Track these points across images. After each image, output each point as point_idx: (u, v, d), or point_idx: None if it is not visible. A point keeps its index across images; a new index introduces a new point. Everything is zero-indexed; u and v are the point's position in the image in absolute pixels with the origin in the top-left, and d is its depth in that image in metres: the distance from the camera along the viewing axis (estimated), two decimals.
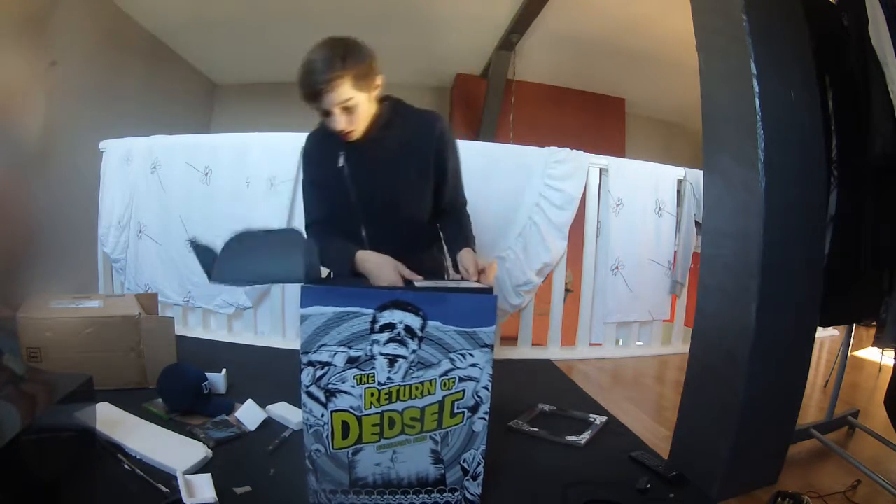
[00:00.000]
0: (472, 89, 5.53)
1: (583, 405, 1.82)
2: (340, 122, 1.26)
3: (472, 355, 1.08)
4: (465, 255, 1.32)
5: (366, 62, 1.25)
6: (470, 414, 1.11)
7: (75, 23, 3.25)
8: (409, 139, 1.38)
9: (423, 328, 1.05)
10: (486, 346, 1.08)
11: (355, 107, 1.26)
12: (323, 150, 1.41)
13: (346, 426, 1.07)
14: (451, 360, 1.07)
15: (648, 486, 1.25)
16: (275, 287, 2.50)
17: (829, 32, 1.37)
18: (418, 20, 4.22)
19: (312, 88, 1.21)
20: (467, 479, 1.14)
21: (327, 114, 1.26)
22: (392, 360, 1.06)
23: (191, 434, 1.37)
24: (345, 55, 1.22)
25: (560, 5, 4.07)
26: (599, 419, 1.66)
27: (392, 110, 1.37)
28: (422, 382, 1.07)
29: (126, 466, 1.20)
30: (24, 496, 0.98)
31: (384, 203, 1.39)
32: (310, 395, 1.06)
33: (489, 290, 1.16)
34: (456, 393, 1.09)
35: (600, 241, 2.63)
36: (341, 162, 1.37)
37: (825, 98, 1.34)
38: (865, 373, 2.58)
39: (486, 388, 1.10)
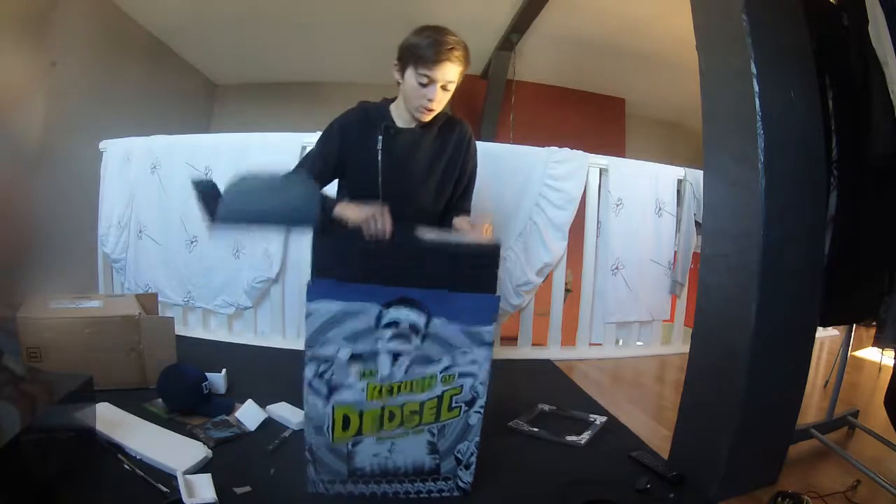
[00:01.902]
0: (472, 89, 5.52)
1: (583, 405, 1.82)
2: (437, 96, 1.34)
3: (472, 352, 1.10)
4: (458, 220, 1.39)
5: (469, 56, 1.37)
6: (466, 408, 1.13)
7: (75, 23, 3.24)
8: (445, 140, 1.46)
9: (427, 325, 1.07)
10: (485, 343, 1.10)
11: (449, 91, 1.36)
12: (363, 129, 1.43)
13: (346, 419, 1.09)
14: (452, 357, 1.09)
15: (648, 486, 1.25)
16: (274, 287, 2.50)
17: (829, 32, 1.37)
18: (418, 21, 4.21)
19: (442, 56, 1.29)
20: (460, 469, 1.16)
21: (427, 84, 1.32)
22: (395, 355, 1.07)
23: (191, 434, 1.37)
24: (464, 47, 1.35)
25: (560, 5, 4.07)
26: (599, 419, 1.66)
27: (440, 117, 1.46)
28: (423, 378, 1.09)
29: (126, 466, 1.20)
30: (24, 496, 0.98)
31: (407, 193, 1.42)
32: (312, 388, 1.07)
33: (494, 245, 1.22)
34: (455, 388, 1.11)
35: (600, 241, 2.62)
36: (380, 145, 1.40)
37: (825, 98, 1.34)
38: (865, 373, 2.58)
39: (483, 383, 1.12)
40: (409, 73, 1.34)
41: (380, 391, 1.09)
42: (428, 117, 1.39)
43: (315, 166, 1.45)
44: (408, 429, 1.12)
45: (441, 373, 1.10)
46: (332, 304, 1.03)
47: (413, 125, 1.44)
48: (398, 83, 1.40)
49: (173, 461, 1.19)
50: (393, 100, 1.47)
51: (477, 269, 1.21)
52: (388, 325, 1.06)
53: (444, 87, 1.34)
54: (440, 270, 1.18)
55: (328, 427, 1.09)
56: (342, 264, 1.27)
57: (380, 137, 1.39)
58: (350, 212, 1.27)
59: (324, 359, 1.06)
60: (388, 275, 1.09)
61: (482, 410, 1.14)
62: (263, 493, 1.16)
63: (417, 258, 1.20)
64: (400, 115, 1.44)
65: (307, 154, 1.51)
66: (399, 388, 1.09)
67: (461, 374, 1.10)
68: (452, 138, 1.48)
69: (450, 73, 1.32)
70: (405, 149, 1.42)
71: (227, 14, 4.18)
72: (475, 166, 1.55)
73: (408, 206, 1.40)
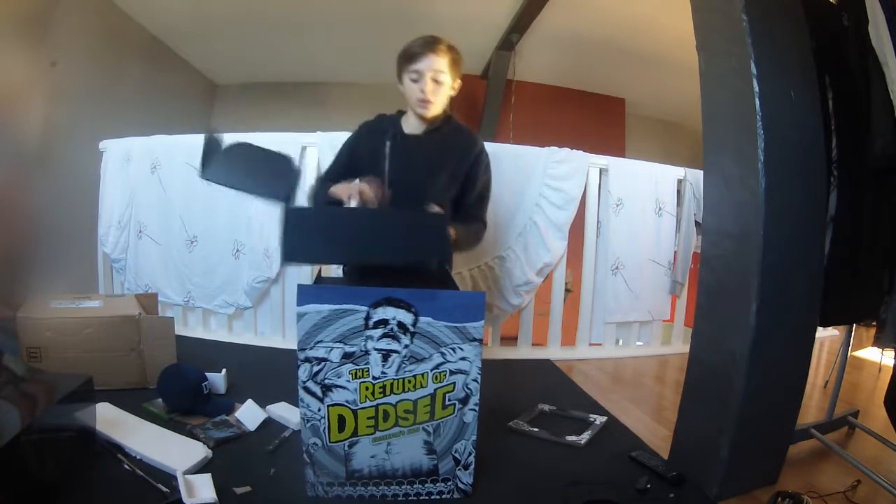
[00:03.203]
0: (472, 89, 5.52)
1: (583, 405, 1.82)
2: (429, 86, 1.43)
3: (461, 349, 1.12)
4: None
5: (461, 57, 1.48)
6: (461, 406, 1.14)
7: (75, 23, 3.24)
8: (451, 148, 1.53)
9: (415, 324, 1.09)
10: (475, 340, 1.12)
11: (442, 83, 1.44)
12: (376, 134, 1.54)
13: (342, 420, 1.11)
14: (442, 354, 1.11)
15: (648, 486, 1.25)
16: (274, 287, 2.50)
17: (829, 32, 1.37)
18: (418, 20, 4.22)
19: (422, 48, 1.41)
20: (459, 469, 1.17)
21: (417, 79, 1.43)
22: (385, 354, 1.09)
23: (191, 434, 1.37)
24: (450, 45, 1.46)
25: (560, 5, 4.07)
26: (599, 419, 1.66)
27: (445, 119, 1.54)
28: (414, 376, 1.11)
29: (126, 466, 1.20)
30: (24, 496, 0.98)
31: (410, 197, 1.46)
32: (307, 390, 1.09)
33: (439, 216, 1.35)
34: (447, 386, 1.13)
35: (600, 241, 2.63)
36: (388, 149, 1.48)
37: (825, 98, 1.34)
38: (865, 373, 2.58)
39: (475, 380, 1.14)
40: (404, 75, 1.46)
41: (373, 390, 1.10)
42: (428, 111, 1.47)
43: (331, 163, 1.62)
44: (403, 428, 1.13)
45: (432, 371, 1.12)
46: (322, 306, 1.06)
47: (420, 132, 1.54)
48: (403, 94, 1.51)
49: (173, 461, 1.20)
50: (405, 112, 1.58)
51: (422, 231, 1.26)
52: (377, 324, 1.08)
53: (435, 80, 1.43)
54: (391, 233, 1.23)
55: (324, 429, 1.10)
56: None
57: (387, 142, 1.49)
58: (339, 189, 1.39)
59: (317, 360, 1.08)
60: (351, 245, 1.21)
61: (477, 408, 1.15)
62: (263, 493, 1.16)
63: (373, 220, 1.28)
64: (408, 124, 1.56)
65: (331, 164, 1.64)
66: (392, 386, 1.11)
67: (452, 372, 1.13)
68: (458, 144, 1.55)
69: (436, 63, 1.41)
70: (410, 151, 1.51)
71: (227, 14, 4.18)
72: (489, 179, 1.61)
73: (413, 202, 1.45)
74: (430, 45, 1.41)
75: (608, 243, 2.60)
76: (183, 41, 4.68)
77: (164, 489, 1.11)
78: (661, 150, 5.65)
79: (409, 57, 1.43)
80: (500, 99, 5.28)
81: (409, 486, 1.16)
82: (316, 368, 1.08)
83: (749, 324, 1.19)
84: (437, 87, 1.44)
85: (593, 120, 5.64)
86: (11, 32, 2.75)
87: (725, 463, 1.25)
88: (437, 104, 1.47)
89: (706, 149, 1.33)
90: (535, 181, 2.48)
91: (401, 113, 1.59)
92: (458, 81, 1.50)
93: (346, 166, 1.55)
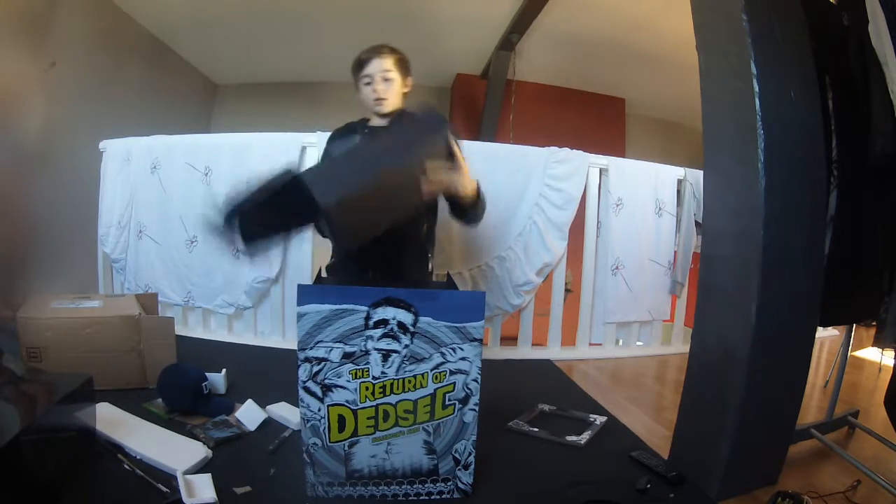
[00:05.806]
0: (472, 89, 5.52)
1: (583, 405, 1.82)
2: (380, 86, 1.55)
3: (461, 349, 1.12)
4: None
5: (405, 57, 1.61)
6: (461, 406, 1.14)
7: (75, 23, 3.24)
8: (417, 123, 1.55)
9: (415, 324, 1.10)
10: (475, 340, 1.12)
11: (391, 80, 1.56)
12: (343, 139, 1.67)
13: (342, 419, 1.11)
14: (442, 354, 1.12)
15: (648, 485, 1.25)
16: (274, 287, 2.50)
17: (829, 32, 1.37)
18: (418, 20, 4.22)
19: (369, 54, 1.55)
20: (459, 469, 1.17)
21: (370, 82, 1.55)
22: (385, 354, 1.10)
23: (191, 434, 1.37)
24: (393, 48, 1.59)
25: (560, 5, 4.07)
26: (599, 419, 1.66)
27: (402, 112, 1.62)
28: (414, 376, 1.11)
29: (126, 466, 1.20)
30: (24, 496, 0.98)
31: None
32: (307, 390, 1.09)
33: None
34: (447, 386, 1.13)
35: (600, 241, 2.63)
36: (358, 140, 1.60)
37: (825, 98, 1.34)
38: (865, 373, 2.58)
39: (475, 380, 1.14)
40: (359, 83, 1.58)
41: (373, 390, 1.10)
42: (384, 108, 1.58)
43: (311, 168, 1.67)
44: (403, 428, 1.13)
45: (432, 371, 1.12)
46: (322, 306, 1.06)
47: (384, 124, 1.64)
48: (363, 102, 1.62)
49: (173, 461, 1.19)
50: (369, 119, 1.70)
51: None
52: (377, 324, 1.09)
53: (385, 79, 1.55)
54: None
55: (324, 429, 1.11)
56: None
57: (357, 136, 1.63)
58: None
59: (317, 360, 1.08)
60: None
61: (477, 408, 1.15)
62: (263, 493, 1.16)
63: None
64: (373, 123, 1.67)
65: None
66: (392, 386, 1.11)
67: (452, 372, 1.13)
68: (422, 119, 1.56)
69: (382, 64, 1.54)
70: (379, 134, 1.62)
71: (227, 14, 4.18)
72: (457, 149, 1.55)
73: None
74: (375, 50, 1.56)
75: (608, 243, 2.60)
76: (183, 41, 4.68)
77: (164, 489, 1.11)
78: (661, 150, 5.64)
79: (359, 65, 1.56)
80: (500, 99, 5.27)
81: (409, 486, 1.16)
82: (316, 368, 1.08)
83: (749, 324, 1.19)
84: (387, 85, 1.56)
85: (593, 120, 5.63)
86: (11, 32, 2.75)
87: (725, 463, 1.25)
88: (391, 100, 1.57)
89: (706, 149, 1.33)
90: (535, 181, 2.48)
91: (366, 119, 1.70)
92: (410, 79, 1.62)
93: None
